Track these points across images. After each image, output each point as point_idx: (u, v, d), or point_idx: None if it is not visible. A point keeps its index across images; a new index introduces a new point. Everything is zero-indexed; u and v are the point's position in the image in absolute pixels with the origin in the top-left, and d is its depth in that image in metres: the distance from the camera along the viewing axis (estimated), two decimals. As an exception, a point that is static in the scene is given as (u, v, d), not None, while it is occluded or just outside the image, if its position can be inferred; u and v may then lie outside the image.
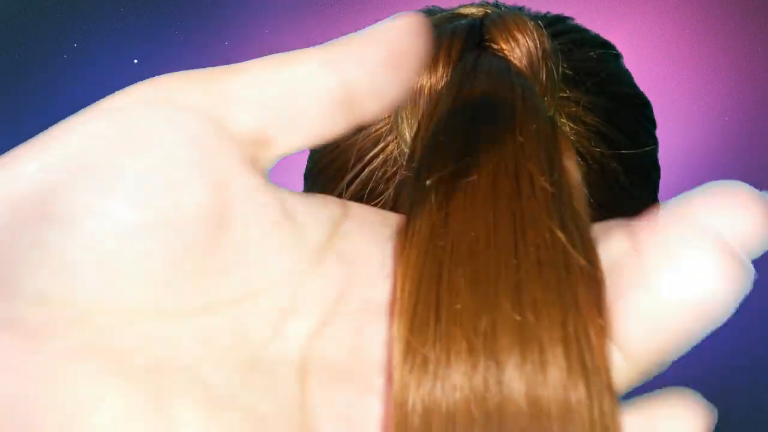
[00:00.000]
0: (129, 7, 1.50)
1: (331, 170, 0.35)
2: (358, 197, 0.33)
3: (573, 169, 0.19)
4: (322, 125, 0.16)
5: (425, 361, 0.14)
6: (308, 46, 0.17)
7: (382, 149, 0.33)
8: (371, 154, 0.33)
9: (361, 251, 0.17)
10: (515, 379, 0.14)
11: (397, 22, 0.16)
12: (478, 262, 0.15)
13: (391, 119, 0.32)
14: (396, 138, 0.32)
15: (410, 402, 0.14)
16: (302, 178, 0.40)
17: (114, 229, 0.14)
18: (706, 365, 1.43)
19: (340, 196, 0.34)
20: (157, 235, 0.14)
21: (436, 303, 0.15)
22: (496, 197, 0.17)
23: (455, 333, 0.15)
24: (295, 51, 0.16)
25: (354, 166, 0.33)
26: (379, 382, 0.15)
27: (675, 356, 0.15)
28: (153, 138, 0.14)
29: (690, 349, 0.16)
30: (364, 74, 0.16)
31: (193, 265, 0.14)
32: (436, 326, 0.15)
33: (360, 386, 0.15)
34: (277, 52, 0.16)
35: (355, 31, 0.17)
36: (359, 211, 0.18)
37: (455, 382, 0.14)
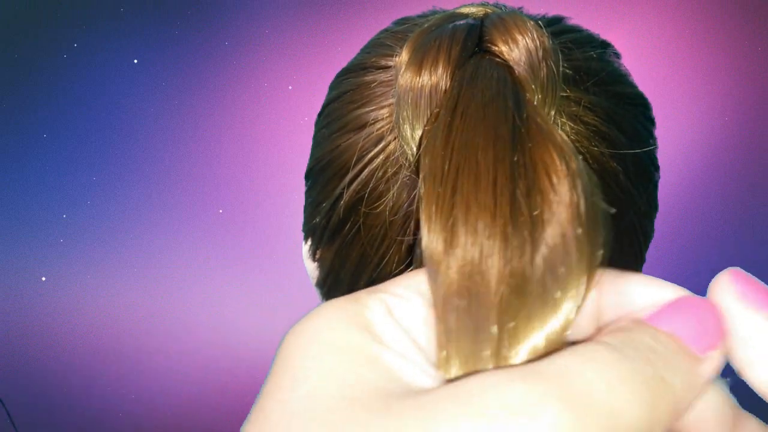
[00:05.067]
0: (129, 7, 1.50)
1: (331, 170, 0.35)
2: (359, 197, 0.33)
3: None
4: None
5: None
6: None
7: (383, 149, 0.32)
8: (372, 153, 0.33)
9: None
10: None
11: None
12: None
13: (392, 119, 0.32)
14: (397, 138, 0.32)
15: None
16: (302, 177, 0.40)
17: None
18: (706, 365, 1.42)
19: (340, 195, 0.34)
20: None
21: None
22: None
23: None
24: None
25: (355, 165, 0.33)
26: None
27: None
28: None
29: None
30: None
31: None
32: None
33: None
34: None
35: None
36: None
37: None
